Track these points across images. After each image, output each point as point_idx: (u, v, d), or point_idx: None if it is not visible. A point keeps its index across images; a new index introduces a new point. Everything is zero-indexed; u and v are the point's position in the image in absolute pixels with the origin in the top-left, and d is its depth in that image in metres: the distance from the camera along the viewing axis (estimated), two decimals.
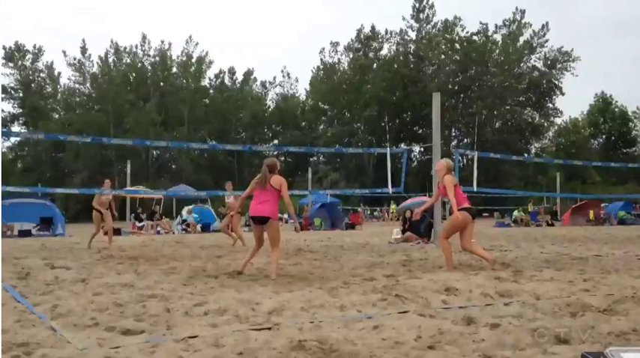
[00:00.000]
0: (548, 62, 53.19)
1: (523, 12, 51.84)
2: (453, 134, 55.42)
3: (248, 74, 61.90)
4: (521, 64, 53.52)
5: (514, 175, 49.44)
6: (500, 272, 5.98)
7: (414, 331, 3.17)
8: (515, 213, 27.76)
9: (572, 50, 52.24)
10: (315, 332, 3.21)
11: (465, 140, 54.08)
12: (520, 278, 5.50)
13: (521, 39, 52.44)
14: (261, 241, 6.42)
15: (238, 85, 61.70)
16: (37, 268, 6.99)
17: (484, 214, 38.10)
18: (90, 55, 55.55)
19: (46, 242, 13.84)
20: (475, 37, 52.57)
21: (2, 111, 55.98)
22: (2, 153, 56.72)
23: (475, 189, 13.94)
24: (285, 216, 34.38)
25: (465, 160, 35.04)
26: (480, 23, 52.74)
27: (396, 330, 3.19)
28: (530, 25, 52.01)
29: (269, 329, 3.31)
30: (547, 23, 52.01)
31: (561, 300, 4.20)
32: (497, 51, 52.97)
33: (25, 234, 18.23)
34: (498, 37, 53.10)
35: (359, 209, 32.49)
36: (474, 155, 14.05)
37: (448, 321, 3.48)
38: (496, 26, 52.70)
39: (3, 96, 55.55)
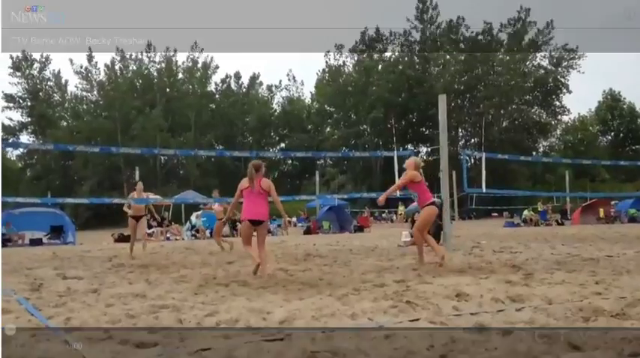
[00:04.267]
0: (554, 60, 53.04)
1: (528, 10, 51.70)
2: (460, 134, 55.31)
3: (254, 78, 62.12)
4: (527, 63, 53.37)
5: (522, 174, 49.27)
6: (510, 276, 5.97)
7: (426, 340, 3.17)
8: (525, 212, 27.65)
9: (577, 47, 52.05)
10: (328, 342, 3.21)
11: (473, 140, 53.93)
12: (531, 282, 5.48)
13: (527, 37, 52.27)
14: (250, 240, 7.02)
15: (244, 90, 61.91)
16: (49, 279, 7.03)
17: (493, 214, 37.99)
18: (96, 62, 55.94)
19: (57, 250, 13.91)
20: (480, 37, 52.45)
21: (11, 120, 56.44)
22: (12, 161, 57.24)
23: (484, 190, 13.95)
24: (294, 219, 34.47)
25: (472, 160, 34.93)
26: (485, 23, 52.68)
27: (408, 339, 3.19)
28: (535, 24, 51.87)
29: (281, 339, 3.32)
30: (552, 21, 51.84)
31: (573, 305, 4.18)
32: (502, 50, 52.82)
33: (36, 242, 18.36)
34: (503, 36, 52.99)
35: (366, 211, 32.37)
36: (481, 156, 14.05)
37: (460, 329, 3.48)
38: (501, 25, 52.60)
39: (11, 105, 55.96)
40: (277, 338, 3.34)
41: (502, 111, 53.16)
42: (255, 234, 6.95)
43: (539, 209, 28.61)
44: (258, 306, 4.45)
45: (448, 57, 52.95)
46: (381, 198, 8.39)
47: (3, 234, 18.59)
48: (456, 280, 5.76)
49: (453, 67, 52.36)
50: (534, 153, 54.24)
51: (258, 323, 3.79)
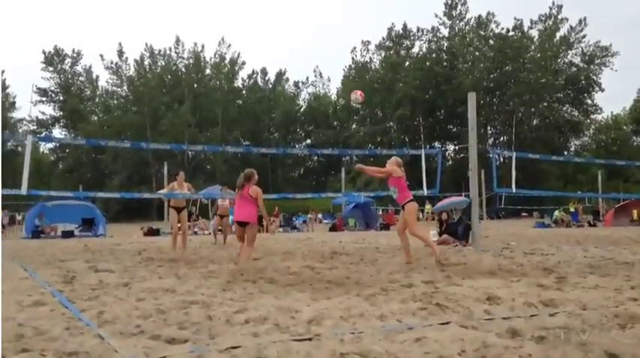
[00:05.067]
0: (586, 57, 51.96)
1: (560, 7, 50.81)
2: (489, 132, 54.63)
3: (280, 74, 62.34)
4: (559, 60, 52.38)
5: (553, 174, 48.44)
6: (542, 279, 5.86)
7: (457, 344, 3.12)
8: (556, 213, 27.13)
9: (610, 45, 50.92)
10: (357, 343, 3.19)
11: (502, 138, 53.24)
12: (564, 286, 5.37)
13: (558, 34, 51.30)
14: (242, 238, 7.94)
15: (271, 86, 62.20)
16: (82, 271, 7.17)
17: (522, 214, 37.42)
18: (127, 58, 56.86)
19: (88, 243, 14.19)
20: (511, 33, 51.65)
21: (43, 113, 57.70)
22: (45, 154, 58.50)
23: (514, 190, 13.73)
24: (320, 215, 34.51)
25: (502, 159, 34.43)
26: (515, 19, 51.88)
27: (439, 343, 3.15)
28: (567, 20, 50.89)
29: (310, 340, 3.31)
30: (585, 18, 50.84)
31: (608, 310, 4.08)
32: (533, 47, 51.92)
33: (68, 234, 18.76)
34: (534, 33, 52.10)
35: (391, 209, 32.20)
36: (511, 155, 13.83)
37: (492, 333, 3.42)
38: (532, 22, 51.73)
39: (44, 99, 57.17)
40: (306, 338, 3.33)
41: (532, 110, 52.30)
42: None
43: (571, 209, 28.05)
44: (286, 305, 4.46)
45: (477, 53, 52.30)
46: (359, 166, 8.54)
47: (36, 226, 19.06)
48: (486, 282, 5.67)
49: (482, 63, 51.70)
50: (566, 152, 53.24)
51: (286, 322, 3.79)
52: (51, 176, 55.01)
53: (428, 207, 32.16)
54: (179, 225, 10.56)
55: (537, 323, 3.69)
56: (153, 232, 21.08)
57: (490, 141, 53.89)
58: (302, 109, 63.14)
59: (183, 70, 58.66)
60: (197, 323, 3.74)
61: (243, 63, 59.52)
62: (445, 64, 53.85)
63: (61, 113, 58.03)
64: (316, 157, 60.92)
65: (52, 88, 57.50)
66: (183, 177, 11.06)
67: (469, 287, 5.29)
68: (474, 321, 3.80)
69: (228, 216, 13.61)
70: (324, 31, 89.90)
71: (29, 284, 6.01)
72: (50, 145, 58.74)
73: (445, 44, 54.54)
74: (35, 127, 56.39)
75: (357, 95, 11.11)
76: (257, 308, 4.33)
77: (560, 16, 50.76)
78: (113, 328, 3.62)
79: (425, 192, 13.50)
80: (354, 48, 57.37)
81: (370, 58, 56.95)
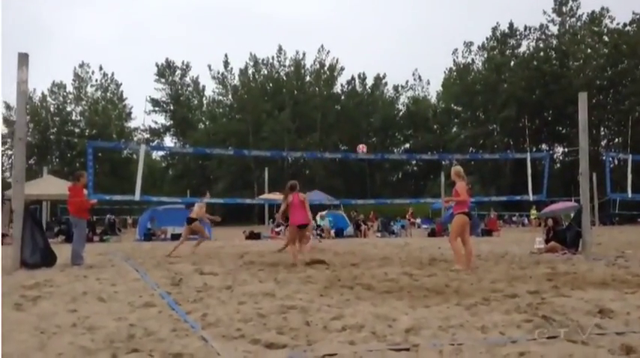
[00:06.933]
0: None
1: None
2: (602, 133, 51.16)
3: (378, 79, 62.24)
4: None
5: None
6: None
7: None
8: None
9: None
10: (456, 356, 3.10)
11: (616, 139, 49.63)
12: None
13: None
14: (297, 240, 9.42)
15: (369, 90, 62.26)
16: (188, 274, 7.55)
17: (639, 220, 34.61)
18: (232, 68, 59.34)
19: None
20: (627, 28, 48.06)
21: (156, 122, 61.65)
22: (155, 160, 62.43)
23: (630, 195, 12.76)
24: (418, 220, 33.97)
25: (616, 161, 32.05)
26: (633, 13, 48.20)
27: None
28: None
29: (407, 350, 3.25)
30: None
31: None
32: None
33: (176, 237, 19.83)
34: None
35: (493, 214, 30.99)
36: (627, 157, 12.88)
37: (604, 350, 3.19)
38: None
39: (156, 109, 61.06)
40: (403, 348, 3.28)
41: None
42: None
43: None
44: (383, 312, 4.41)
45: (589, 50, 49.18)
46: (446, 199, 10.00)
47: (148, 229, 20.38)
48: (598, 294, 5.29)
49: (594, 61, 48.54)
50: None
51: (383, 331, 3.75)
52: (163, 181, 58.61)
53: (533, 212, 30.60)
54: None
55: None
56: (254, 236, 21.79)
57: (603, 142, 50.43)
58: (401, 113, 62.64)
59: (284, 77, 60.32)
60: (295, 329, 3.80)
61: (342, 69, 60.13)
62: (554, 62, 51.13)
63: (172, 122, 61.75)
64: (414, 162, 60.13)
65: (164, 99, 61.38)
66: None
67: (578, 299, 4.96)
68: (583, 336, 3.55)
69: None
70: (423, 34, 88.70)
71: (141, 285, 6.42)
72: (162, 152, 62.67)
73: (554, 42, 51.86)
74: (149, 136, 60.46)
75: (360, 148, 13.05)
76: (354, 315, 4.33)
77: None
78: (216, 331, 3.77)
79: (530, 197, 12.90)
80: (456, 49, 56.11)
81: (472, 59, 55.46)
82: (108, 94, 59.57)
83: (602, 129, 50.87)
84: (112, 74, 59.39)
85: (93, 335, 3.66)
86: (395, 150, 59.41)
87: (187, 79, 61.92)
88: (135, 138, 57.37)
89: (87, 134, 53.71)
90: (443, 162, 51.49)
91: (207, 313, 4.42)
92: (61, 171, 46.42)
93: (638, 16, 47.87)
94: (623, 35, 47.83)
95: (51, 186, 20.40)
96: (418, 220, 34.12)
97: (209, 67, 59.41)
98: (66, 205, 11.16)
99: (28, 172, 17.06)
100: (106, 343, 3.43)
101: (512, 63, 52.57)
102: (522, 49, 53.36)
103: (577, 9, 50.57)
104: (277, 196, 23.91)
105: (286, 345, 3.36)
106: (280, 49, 59.71)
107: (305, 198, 9.29)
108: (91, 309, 4.67)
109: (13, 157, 26.46)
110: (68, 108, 58.66)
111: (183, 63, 61.27)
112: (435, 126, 59.43)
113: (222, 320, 4.12)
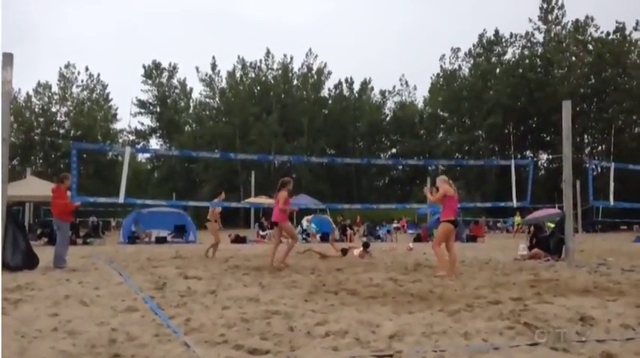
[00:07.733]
0: None
1: None
2: (586, 141, 51.72)
3: (365, 83, 62.42)
4: None
5: None
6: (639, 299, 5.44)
7: None
8: None
9: None
10: None
11: (600, 147, 50.19)
12: None
13: None
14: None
15: (356, 95, 62.42)
16: (172, 278, 7.50)
17: (621, 227, 35.03)
18: (219, 70, 59.11)
19: (179, 249, 14.83)
20: (611, 37, 48.70)
21: (142, 124, 61.26)
22: (140, 163, 61.96)
23: (612, 202, 12.91)
24: (404, 225, 34.06)
25: (599, 169, 32.43)
26: (617, 22, 48.87)
27: None
28: None
29: (390, 356, 3.26)
30: None
31: None
32: (636, 51, 48.66)
33: (161, 240, 19.75)
34: (637, 36, 48.78)
35: (479, 220, 31.15)
36: (609, 166, 13.03)
37: (585, 357, 3.22)
38: (637, 23, 48.46)
39: (142, 110, 60.66)
40: (387, 355, 3.29)
41: (634, 117, 48.85)
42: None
43: None
44: (367, 318, 4.42)
45: (574, 59, 49.74)
46: (426, 189, 10.29)
47: (133, 232, 20.22)
48: (579, 301, 5.35)
49: (579, 69, 49.10)
50: None
51: (367, 337, 3.76)
52: (147, 184, 58.16)
53: (517, 219, 30.81)
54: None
55: (635, 348, 3.43)
56: (240, 240, 21.73)
57: (587, 150, 50.95)
58: (387, 118, 62.83)
59: (271, 81, 60.22)
60: (279, 335, 3.80)
61: (329, 73, 60.15)
62: (539, 70, 51.61)
63: (158, 124, 61.28)
64: (401, 167, 60.32)
65: (150, 100, 60.93)
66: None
67: (561, 306, 5.02)
68: (565, 343, 3.59)
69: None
70: (411, 39, 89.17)
71: (124, 289, 6.36)
72: (147, 154, 62.19)
73: (539, 50, 52.38)
74: (134, 138, 59.95)
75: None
76: (338, 320, 4.33)
77: None
78: (199, 336, 3.75)
79: (514, 203, 13.01)
80: (443, 55, 56.42)
81: (459, 65, 55.82)
82: (94, 95, 58.96)
83: (585, 136, 51.39)
84: (98, 75, 58.86)
85: (74, 339, 3.63)
86: (381, 155, 59.54)
87: (174, 81, 61.52)
88: (120, 140, 56.94)
89: (72, 135, 53.13)
90: (429, 168, 51.83)
91: (190, 318, 4.39)
92: (45, 172, 45.92)
93: (621, 25, 48.55)
94: (607, 44, 48.42)
95: (34, 187, 20.17)
96: (404, 225, 34.19)
97: (197, 69, 59.10)
98: (49, 207, 11.05)
99: (11, 173, 16.78)
100: (87, 348, 3.40)
101: (497, 70, 52.97)
102: (508, 56, 53.81)
103: (562, 17, 51.16)
104: (263, 200, 23.91)
105: (269, 351, 3.35)
106: (268, 52, 59.65)
107: (281, 196, 9.53)
108: (72, 313, 4.62)
109: None
110: (53, 109, 57.95)
111: (170, 64, 60.94)
112: (422, 132, 59.69)
113: (205, 326, 4.10)
